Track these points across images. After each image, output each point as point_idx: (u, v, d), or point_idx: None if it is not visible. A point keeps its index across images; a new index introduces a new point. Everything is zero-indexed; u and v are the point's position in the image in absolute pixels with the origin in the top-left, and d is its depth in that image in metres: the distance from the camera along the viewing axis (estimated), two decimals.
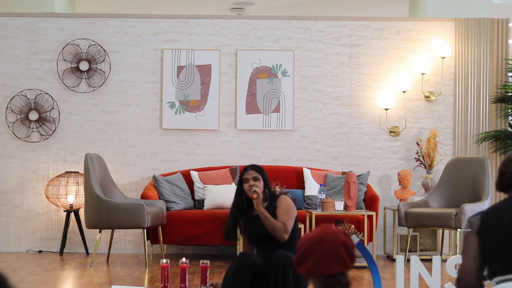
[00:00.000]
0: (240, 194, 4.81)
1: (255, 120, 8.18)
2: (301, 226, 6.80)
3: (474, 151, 8.14)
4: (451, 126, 8.23)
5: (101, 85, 8.17)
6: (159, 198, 7.51)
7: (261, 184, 4.76)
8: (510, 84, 8.18)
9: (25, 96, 8.12)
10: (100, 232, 7.12)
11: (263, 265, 4.50)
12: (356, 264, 6.84)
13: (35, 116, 8.11)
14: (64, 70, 8.17)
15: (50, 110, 8.12)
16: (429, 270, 4.26)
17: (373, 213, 7.10)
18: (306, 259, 2.46)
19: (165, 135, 8.17)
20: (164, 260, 4.78)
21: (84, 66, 8.15)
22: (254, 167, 4.82)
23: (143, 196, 7.45)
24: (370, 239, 7.13)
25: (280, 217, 4.67)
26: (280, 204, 4.73)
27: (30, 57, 8.17)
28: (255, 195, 4.67)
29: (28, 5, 8.72)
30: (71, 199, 7.78)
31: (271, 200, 4.80)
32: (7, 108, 8.10)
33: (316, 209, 7.17)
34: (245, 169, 4.82)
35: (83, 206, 7.33)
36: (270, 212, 4.71)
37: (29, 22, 8.18)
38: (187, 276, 4.71)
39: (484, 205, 7.06)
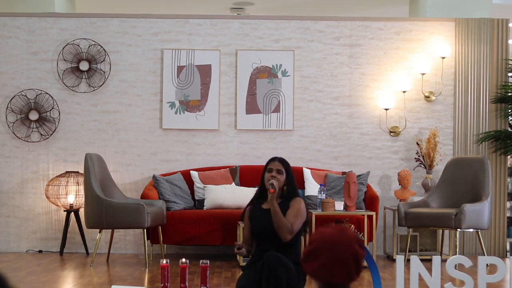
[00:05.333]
0: (262, 183, 4.71)
1: (255, 120, 8.18)
2: None
3: (474, 151, 8.14)
4: (451, 126, 8.23)
5: (101, 85, 8.17)
6: (159, 198, 7.51)
7: (283, 178, 4.65)
8: (510, 84, 8.18)
9: (25, 96, 8.12)
10: (100, 232, 7.12)
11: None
12: None
13: (35, 116, 8.11)
14: (64, 70, 8.17)
15: (50, 110, 8.12)
16: (429, 270, 4.25)
17: (373, 213, 7.10)
18: (313, 259, 2.38)
19: (165, 135, 8.17)
20: (164, 260, 4.77)
21: (84, 66, 8.15)
22: (281, 160, 4.72)
23: (143, 196, 7.45)
24: (370, 239, 7.13)
25: (288, 217, 4.55)
26: (293, 206, 4.61)
27: (30, 57, 8.17)
28: (271, 190, 4.55)
29: (28, 5, 8.72)
30: (71, 199, 7.78)
31: (286, 199, 4.68)
32: (7, 108, 8.10)
33: (316, 209, 7.17)
34: (272, 159, 4.73)
35: (83, 206, 7.33)
36: (281, 210, 4.58)
37: (29, 22, 8.18)
38: (187, 276, 4.70)
39: (484, 205, 7.06)
